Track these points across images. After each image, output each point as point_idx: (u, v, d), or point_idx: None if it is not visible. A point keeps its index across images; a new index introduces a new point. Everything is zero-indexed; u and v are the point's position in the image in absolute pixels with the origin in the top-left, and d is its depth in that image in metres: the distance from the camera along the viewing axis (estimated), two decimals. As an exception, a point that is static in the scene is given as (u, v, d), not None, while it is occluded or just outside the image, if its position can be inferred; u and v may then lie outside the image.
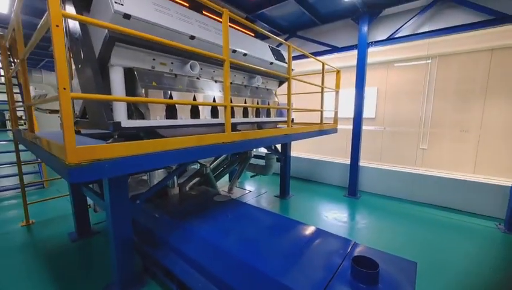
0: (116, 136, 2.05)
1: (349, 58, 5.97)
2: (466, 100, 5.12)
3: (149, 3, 2.21)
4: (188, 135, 2.20)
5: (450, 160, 5.39)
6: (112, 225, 2.40)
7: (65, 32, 2.48)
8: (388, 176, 5.70)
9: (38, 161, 5.54)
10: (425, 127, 5.66)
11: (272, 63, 3.75)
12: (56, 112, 11.35)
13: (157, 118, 2.41)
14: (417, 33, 4.69)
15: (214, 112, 3.04)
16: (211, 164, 4.86)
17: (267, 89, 4.23)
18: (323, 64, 4.32)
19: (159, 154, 1.87)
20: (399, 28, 4.84)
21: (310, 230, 2.80)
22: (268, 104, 4.07)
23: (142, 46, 2.37)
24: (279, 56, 3.98)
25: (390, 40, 4.99)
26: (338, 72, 4.92)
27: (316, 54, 6.00)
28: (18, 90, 5.34)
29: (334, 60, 6.37)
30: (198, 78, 3.00)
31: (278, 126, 4.45)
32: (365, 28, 5.09)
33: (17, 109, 4.96)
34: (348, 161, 5.88)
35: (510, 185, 4.12)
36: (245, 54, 3.24)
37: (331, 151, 7.20)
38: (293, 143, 6.49)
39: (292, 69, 3.61)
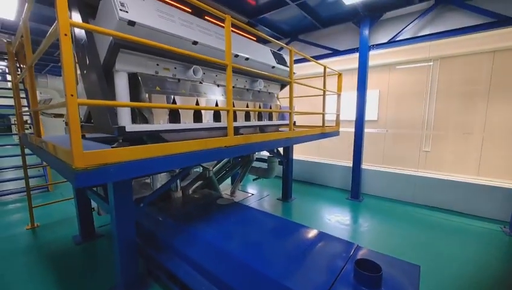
0: (121, 141, 2.09)
1: (351, 61, 5.99)
2: (469, 102, 5.10)
3: (153, 10, 2.26)
4: (191, 139, 2.23)
5: (454, 162, 5.35)
6: (116, 228, 2.42)
7: (71, 38, 2.54)
8: (391, 179, 5.68)
9: (43, 164, 5.60)
10: (428, 130, 5.64)
11: (273, 67, 3.79)
12: (61, 116, 11.51)
13: (160, 122, 2.45)
14: (418, 36, 4.70)
15: (217, 116, 3.07)
16: (213, 167, 4.88)
17: (269, 93, 4.27)
18: (324, 67, 4.34)
19: (163, 158, 1.90)
20: (400, 31, 4.86)
21: (312, 233, 2.80)
22: (271, 108, 4.10)
23: (146, 52, 2.42)
24: (280, 60, 4.02)
25: (392, 43, 5.01)
26: (340, 75, 4.94)
27: (317, 57, 6.04)
28: (24, 95, 5.44)
29: (335, 63, 6.40)
30: (201, 83, 3.04)
31: (280, 129, 4.47)
32: (366, 31, 5.12)
33: (23, 113, 5.04)
34: (350, 164, 5.88)
35: (514, 188, 4.09)
36: (247, 59, 3.28)
37: (333, 154, 7.19)
38: (295, 146, 6.50)
39: (294, 73, 3.64)
